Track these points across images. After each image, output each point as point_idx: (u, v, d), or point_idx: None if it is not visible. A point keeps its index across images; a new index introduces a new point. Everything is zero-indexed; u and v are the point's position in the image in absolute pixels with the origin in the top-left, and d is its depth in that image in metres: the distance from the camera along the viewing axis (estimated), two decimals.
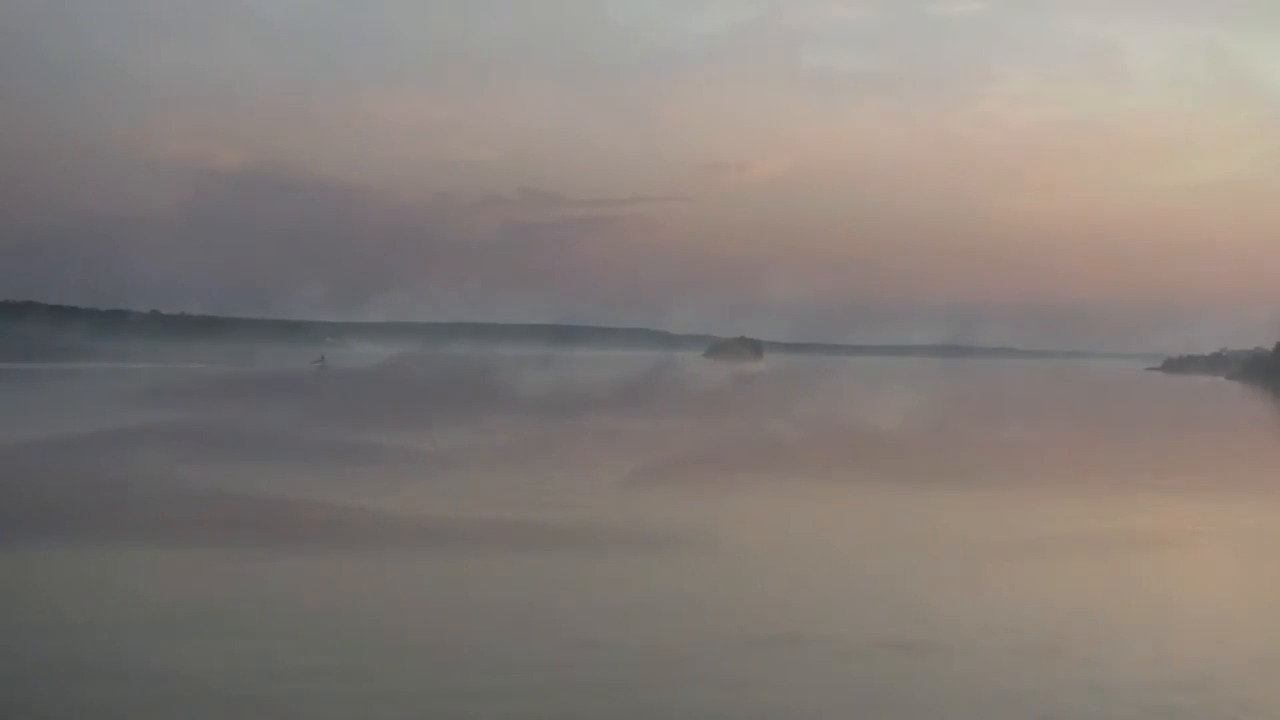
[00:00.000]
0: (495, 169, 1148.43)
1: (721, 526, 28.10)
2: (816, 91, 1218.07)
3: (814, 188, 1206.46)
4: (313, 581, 22.40)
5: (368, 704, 15.73)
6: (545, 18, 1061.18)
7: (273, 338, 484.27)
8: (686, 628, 17.83)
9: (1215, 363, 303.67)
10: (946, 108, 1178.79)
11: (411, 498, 32.41)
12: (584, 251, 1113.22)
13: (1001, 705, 15.44)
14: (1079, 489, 38.24)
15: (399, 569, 22.57)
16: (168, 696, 16.02)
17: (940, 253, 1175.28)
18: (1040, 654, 18.06)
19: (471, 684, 16.00)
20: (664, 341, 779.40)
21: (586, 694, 16.03)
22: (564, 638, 18.28)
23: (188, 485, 34.58)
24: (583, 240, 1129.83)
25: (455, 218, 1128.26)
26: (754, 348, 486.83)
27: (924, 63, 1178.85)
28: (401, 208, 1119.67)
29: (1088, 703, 15.93)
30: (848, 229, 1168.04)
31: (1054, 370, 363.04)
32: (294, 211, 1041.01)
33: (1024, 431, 57.18)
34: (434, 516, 28.14)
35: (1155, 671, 17.31)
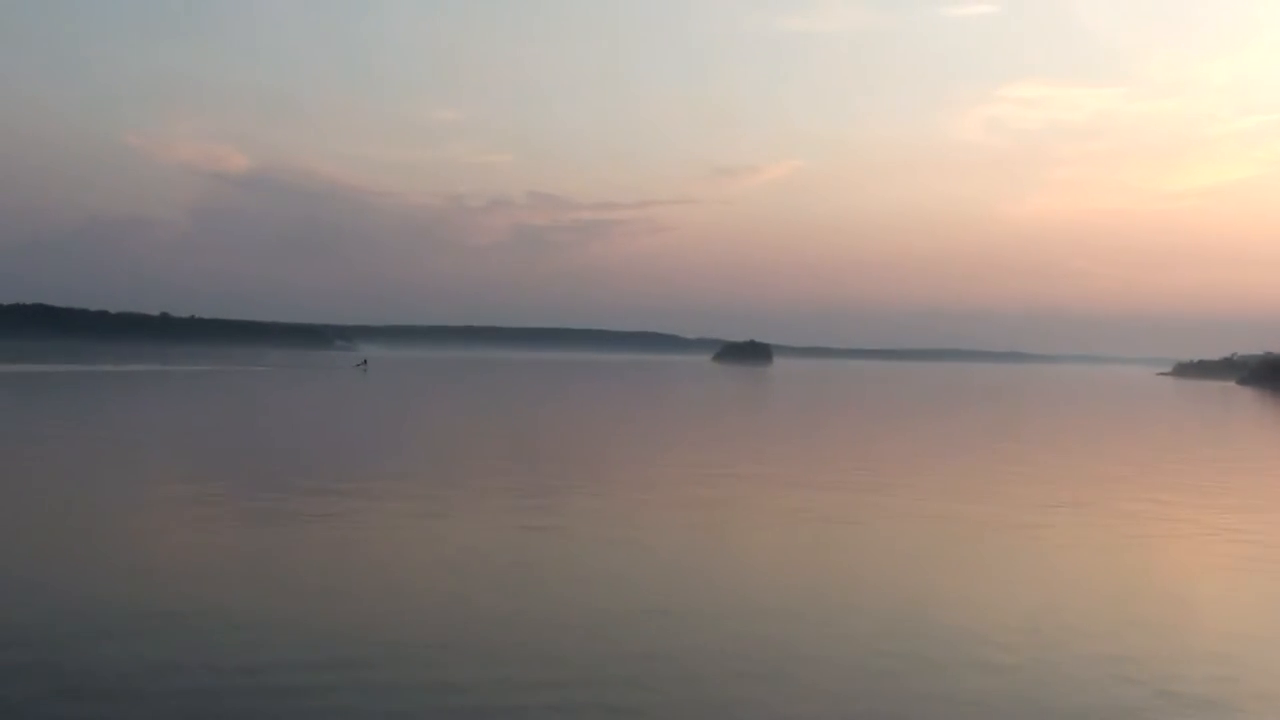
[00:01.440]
0: (504, 172, 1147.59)
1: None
2: (827, 94, 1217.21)
3: (824, 191, 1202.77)
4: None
5: None
6: (553, 21, 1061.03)
7: (282, 341, 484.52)
8: None
9: (1226, 368, 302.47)
10: (956, 110, 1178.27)
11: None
12: (592, 254, 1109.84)
13: None
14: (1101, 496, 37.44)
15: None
16: None
17: (949, 255, 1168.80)
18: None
19: None
20: (673, 345, 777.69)
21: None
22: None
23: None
24: (591, 243, 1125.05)
25: (464, 220, 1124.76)
26: (763, 352, 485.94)
27: (935, 67, 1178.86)
28: (411, 210, 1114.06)
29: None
30: (856, 231, 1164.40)
31: (1061, 376, 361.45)
32: (302, 214, 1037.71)
33: (1033, 444, 56.15)
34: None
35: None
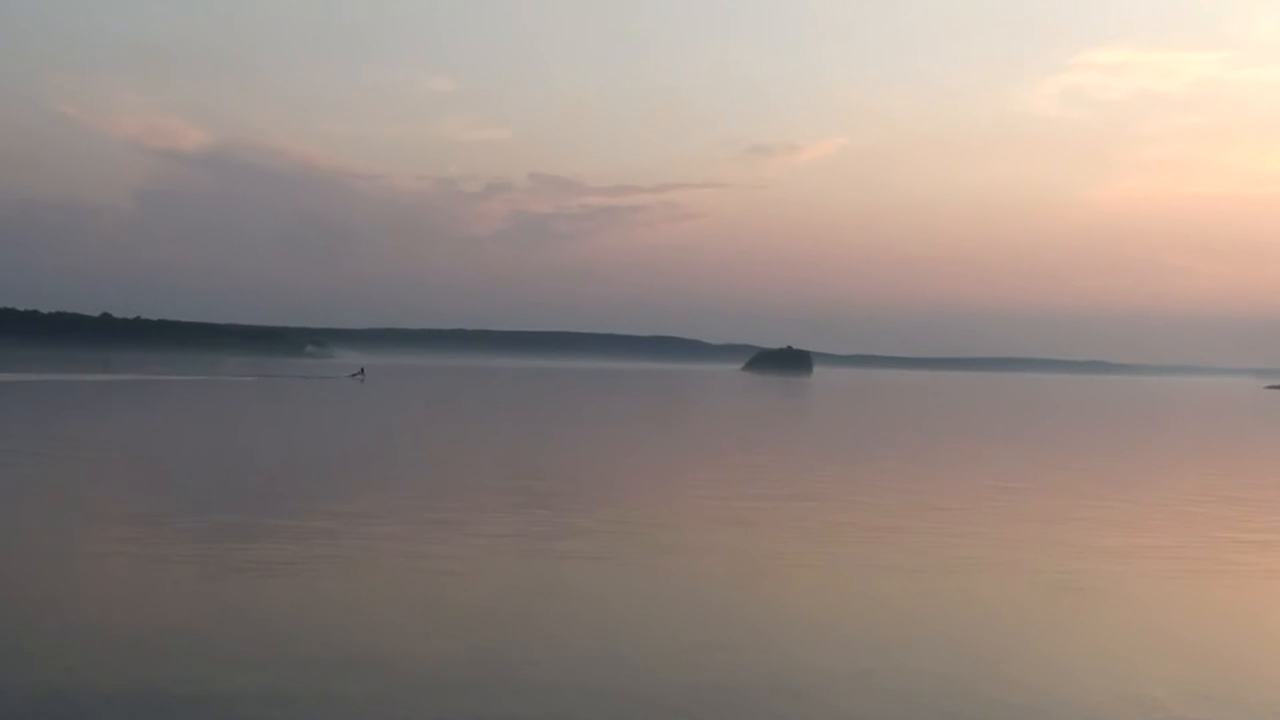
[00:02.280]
0: (503, 151, 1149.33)
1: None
2: (877, 61, 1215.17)
3: (873, 173, 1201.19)
4: None
5: None
6: None
7: (245, 346, 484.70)
8: None
9: None
10: (1028, 80, 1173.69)
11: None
12: (604, 246, 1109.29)
13: None
14: None
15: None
16: None
17: (1019, 249, 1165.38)
18: None
19: None
20: (696, 352, 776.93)
21: None
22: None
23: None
24: (602, 233, 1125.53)
25: (457, 207, 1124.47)
26: (802, 360, 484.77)
27: (1002, 28, 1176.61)
28: (395, 196, 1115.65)
29: None
30: (910, 221, 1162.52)
31: (1154, 389, 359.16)
32: (268, 200, 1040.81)
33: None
34: None
35: None
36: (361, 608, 22.67)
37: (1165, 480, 54.75)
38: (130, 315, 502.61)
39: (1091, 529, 36.33)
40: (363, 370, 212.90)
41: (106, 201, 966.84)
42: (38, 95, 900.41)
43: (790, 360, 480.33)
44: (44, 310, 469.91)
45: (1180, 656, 20.68)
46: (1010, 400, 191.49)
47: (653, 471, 51.78)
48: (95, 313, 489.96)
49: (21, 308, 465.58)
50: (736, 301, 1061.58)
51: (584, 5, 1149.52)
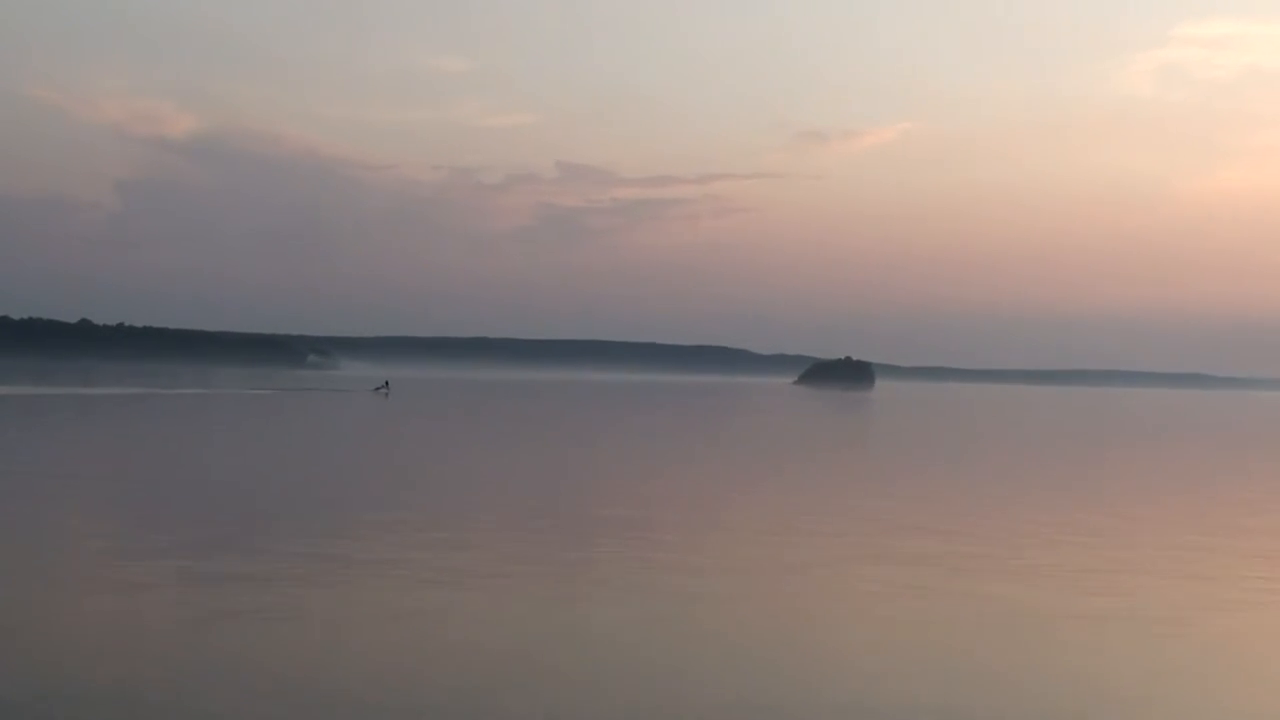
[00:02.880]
0: (526, 138, 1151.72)
1: None
2: (947, 37, 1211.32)
3: (942, 162, 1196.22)
4: None
5: None
6: None
7: (239, 355, 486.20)
8: None
9: None
10: (1120, 57, 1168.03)
11: None
12: (640, 244, 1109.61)
13: None
14: None
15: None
16: None
17: (1109, 247, 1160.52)
18: None
19: None
20: (744, 363, 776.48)
21: None
22: None
23: None
24: (638, 230, 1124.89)
25: (474, 201, 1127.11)
26: (862, 373, 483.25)
27: (1086, 1, 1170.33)
28: (406, 188, 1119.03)
29: None
30: (984, 215, 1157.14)
31: (1268, 404, 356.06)
32: (266, 193, 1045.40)
33: None
34: None
35: None
36: (526, 654, 22.11)
37: None
38: (112, 322, 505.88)
39: None
40: (387, 384, 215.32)
41: (85, 195, 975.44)
42: (9, 78, 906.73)
43: (849, 372, 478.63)
44: (15, 316, 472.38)
45: None
46: (1109, 418, 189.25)
47: (734, 498, 50.61)
48: (73, 319, 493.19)
49: None
50: (788, 307, 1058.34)
51: None
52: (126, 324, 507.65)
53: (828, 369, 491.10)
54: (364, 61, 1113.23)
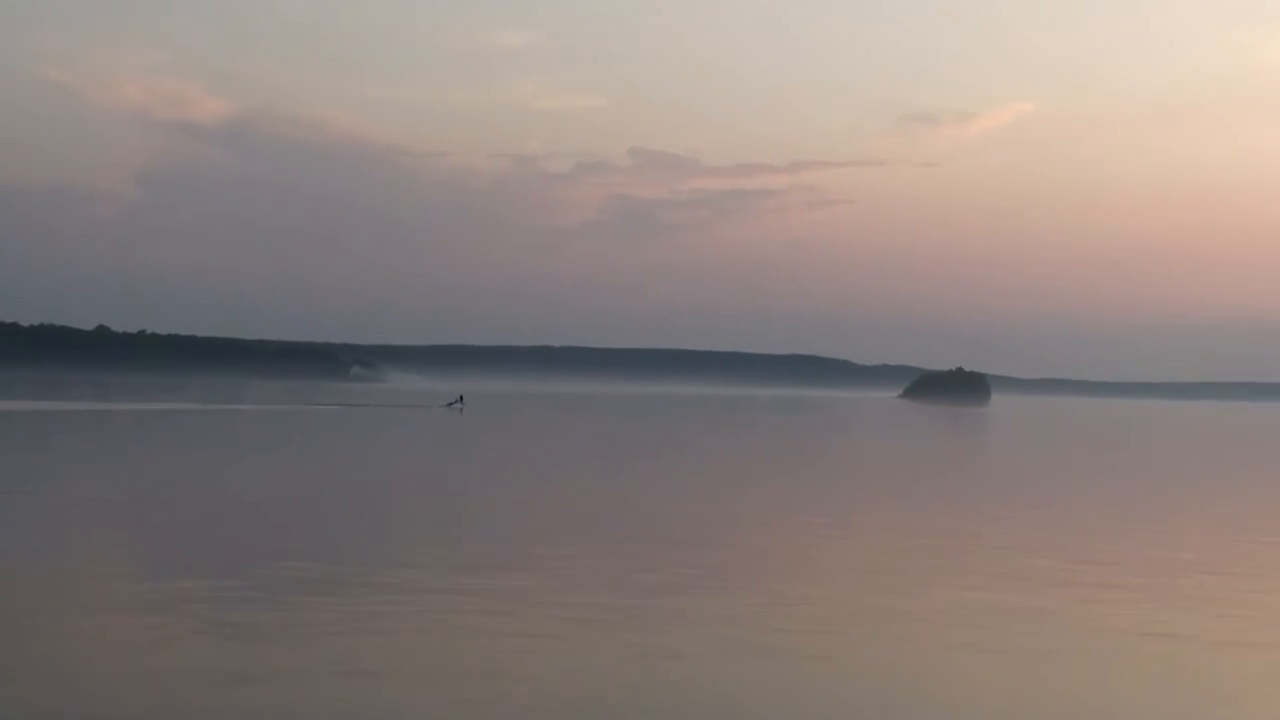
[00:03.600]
0: (596, 121, 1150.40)
1: None
2: (1069, 9, 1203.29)
3: (1068, 147, 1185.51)
4: None
5: None
6: None
7: (275, 366, 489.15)
8: None
9: None
10: (1266, 26, 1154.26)
11: None
12: (724, 241, 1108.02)
13: None
14: None
15: None
16: None
17: (1258, 242, 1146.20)
18: None
19: None
20: (842, 374, 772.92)
21: None
22: None
23: None
24: (722, 224, 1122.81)
25: (538, 192, 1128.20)
26: (976, 386, 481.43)
27: None
28: (460, 178, 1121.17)
29: None
30: (1117, 206, 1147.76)
31: None
32: (305, 184, 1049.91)
33: None
34: None
35: None
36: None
37: None
38: (133, 329, 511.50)
39: None
40: (461, 399, 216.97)
41: (102, 187, 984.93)
42: (17, 57, 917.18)
43: (962, 385, 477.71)
44: (25, 323, 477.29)
45: None
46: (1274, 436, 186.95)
47: (837, 534, 49.99)
48: (89, 325, 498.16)
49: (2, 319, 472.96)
50: (892, 311, 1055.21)
51: None
52: (149, 331, 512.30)
53: (937, 381, 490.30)
54: (414, 37, 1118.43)
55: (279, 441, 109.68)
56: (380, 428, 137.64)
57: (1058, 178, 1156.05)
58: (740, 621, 30.60)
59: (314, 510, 54.75)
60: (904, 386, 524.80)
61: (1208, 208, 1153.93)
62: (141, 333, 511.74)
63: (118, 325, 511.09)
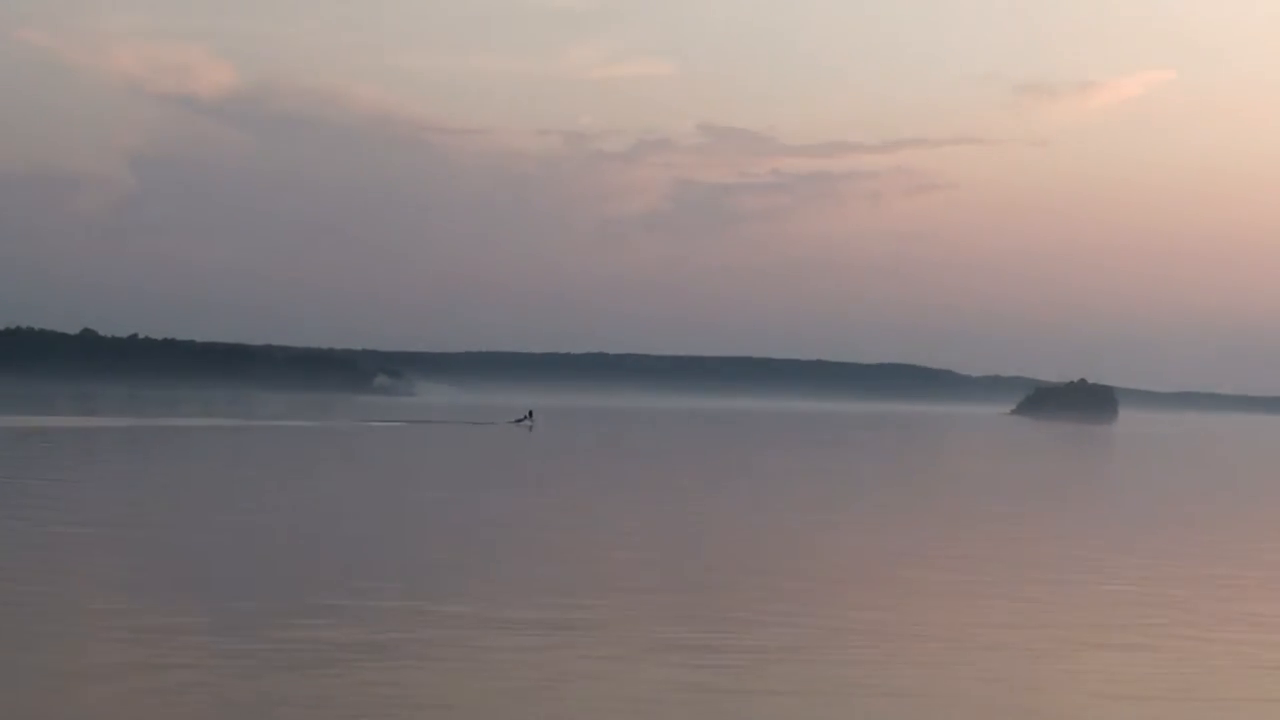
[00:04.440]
0: (660, 93, 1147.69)
1: None
2: None
3: (1208, 124, 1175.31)
4: None
5: None
6: None
7: (287, 376, 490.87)
8: None
9: None
10: None
11: None
12: (805, 231, 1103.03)
13: None
14: None
15: None
16: None
17: None
18: None
19: None
20: (944, 387, 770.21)
21: None
22: None
23: None
24: (804, 212, 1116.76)
25: (592, 175, 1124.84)
26: (1102, 400, 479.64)
27: None
28: (502, 159, 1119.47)
29: None
30: (1261, 193, 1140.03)
31: None
32: (323, 166, 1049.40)
33: None
34: None
35: None
36: None
37: None
38: (123, 333, 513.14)
39: None
40: (530, 414, 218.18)
41: (91, 170, 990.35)
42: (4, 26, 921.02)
43: (1084, 399, 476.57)
44: (0, 325, 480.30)
45: None
46: None
47: (952, 585, 49.29)
48: (74, 329, 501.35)
49: None
50: (1004, 313, 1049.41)
51: None
52: (141, 336, 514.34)
53: (1055, 395, 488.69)
54: None
55: (344, 464, 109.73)
56: (456, 449, 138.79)
57: (1195, 160, 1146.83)
58: (857, 686, 30.09)
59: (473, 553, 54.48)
60: (1017, 401, 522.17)
61: None
62: (133, 337, 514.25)
63: (106, 329, 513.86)
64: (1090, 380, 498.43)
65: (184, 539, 54.45)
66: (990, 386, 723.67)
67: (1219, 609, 42.54)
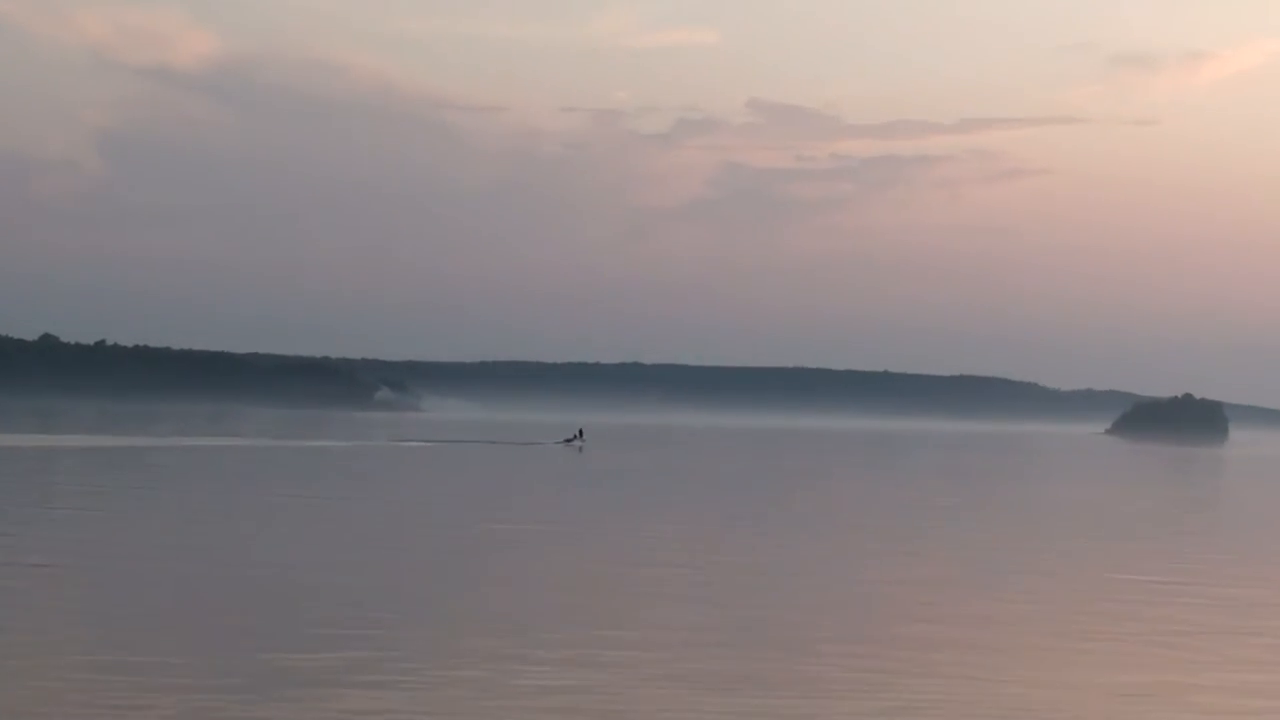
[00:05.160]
0: (704, 65, 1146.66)
1: None
2: None
3: None
4: None
5: None
6: None
7: (275, 389, 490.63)
8: None
9: None
10: None
11: None
12: (871, 224, 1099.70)
13: None
14: None
15: None
16: None
17: None
18: None
19: None
20: (1029, 402, 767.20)
21: None
22: None
23: None
24: (869, 202, 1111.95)
25: (626, 159, 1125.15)
26: (1210, 418, 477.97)
27: None
28: (523, 141, 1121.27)
29: None
30: None
31: None
32: (317, 148, 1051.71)
33: None
34: None
35: None
36: None
37: None
38: (89, 339, 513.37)
39: None
40: (580, 433, 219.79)
41: (53, 152, 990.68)
42: None
43: (1190, 417, 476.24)
44: None
45: None
46: None
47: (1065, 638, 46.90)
48: (32, 335, 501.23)
49: None
50: (1098, 319, 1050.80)
51: None
52: (109, 342, 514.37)
53: (1157, 412, 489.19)
54: None
55: (372, 486, 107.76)
56: (507, 472, 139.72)
57: None
58: None
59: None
60: (1112, 419, 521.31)
61: None
62: (101, 344, 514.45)
63: (69, 334, 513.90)
64: (1197, 395, 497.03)
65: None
66: (1082, 402, 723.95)
67: None
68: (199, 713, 33.23)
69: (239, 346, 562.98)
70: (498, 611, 49.36)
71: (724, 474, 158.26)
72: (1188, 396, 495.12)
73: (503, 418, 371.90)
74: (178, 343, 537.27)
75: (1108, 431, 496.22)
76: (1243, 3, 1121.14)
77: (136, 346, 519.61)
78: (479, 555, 67.96)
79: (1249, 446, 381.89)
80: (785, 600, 54.42)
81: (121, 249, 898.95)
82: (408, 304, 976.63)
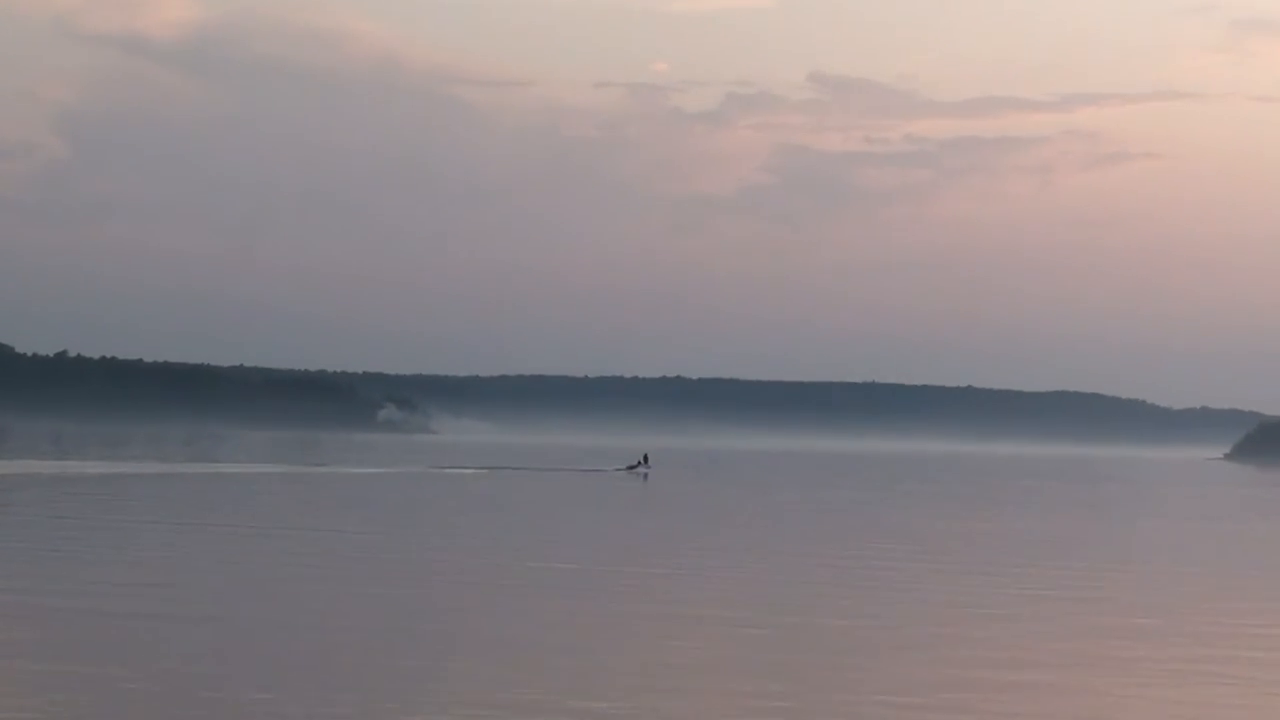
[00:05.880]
0: (757, 34, 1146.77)
1: None
2: None
3: None
4: None
5: None
6: None
7: (267, 408, 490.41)
8: None
9: None
10: None
11: None
12: (953, 216, 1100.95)
13: None
14: None
15: None
16: None
17: None
18: None
19: None
20: (1133, 423, 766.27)
21: None
22: None
23: None
24: (951, 190, 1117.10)
25: (668, 141, 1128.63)
26: None
27: None
28: (551, 120, 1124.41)
29: None
30: None
31: None
32: (312, 130, 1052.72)
33: None
34: None
35: None
36: None
37: None
38: (49, 350, 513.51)
39: None
40: (645, 458, 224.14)
41: (11, 133, 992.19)
42: None
43: None
44: None
45: None
46: None
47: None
48: None
49: None
50: (1215, 325, 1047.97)
51: None
52: (72, 353, 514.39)
53: None
54: None
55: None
56: (597, 504, 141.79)
57: None
58: None
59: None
60: (1232, 442, 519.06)
61: None
62: (62, 355, 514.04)
63: (26, 345, 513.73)
64: None
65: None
66: (1196, 422, 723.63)
67: None
68: None
69: (221, 359, 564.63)
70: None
71: (833, 507, 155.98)
72: None
73: (528, 440, 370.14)
74: (150, 354, 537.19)
75: (1227, 456, 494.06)
76: None
77: (103, 358, 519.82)
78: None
79: None
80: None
81: (85, 243, 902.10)
82: (415, 309, 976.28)
